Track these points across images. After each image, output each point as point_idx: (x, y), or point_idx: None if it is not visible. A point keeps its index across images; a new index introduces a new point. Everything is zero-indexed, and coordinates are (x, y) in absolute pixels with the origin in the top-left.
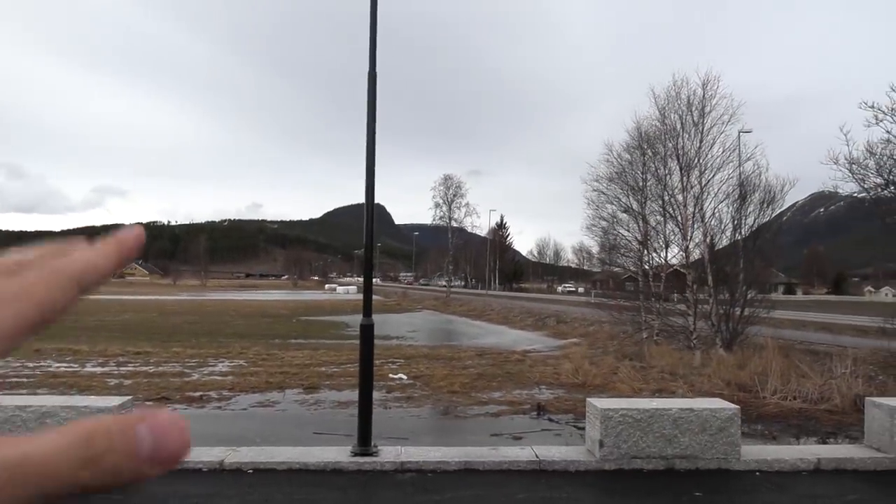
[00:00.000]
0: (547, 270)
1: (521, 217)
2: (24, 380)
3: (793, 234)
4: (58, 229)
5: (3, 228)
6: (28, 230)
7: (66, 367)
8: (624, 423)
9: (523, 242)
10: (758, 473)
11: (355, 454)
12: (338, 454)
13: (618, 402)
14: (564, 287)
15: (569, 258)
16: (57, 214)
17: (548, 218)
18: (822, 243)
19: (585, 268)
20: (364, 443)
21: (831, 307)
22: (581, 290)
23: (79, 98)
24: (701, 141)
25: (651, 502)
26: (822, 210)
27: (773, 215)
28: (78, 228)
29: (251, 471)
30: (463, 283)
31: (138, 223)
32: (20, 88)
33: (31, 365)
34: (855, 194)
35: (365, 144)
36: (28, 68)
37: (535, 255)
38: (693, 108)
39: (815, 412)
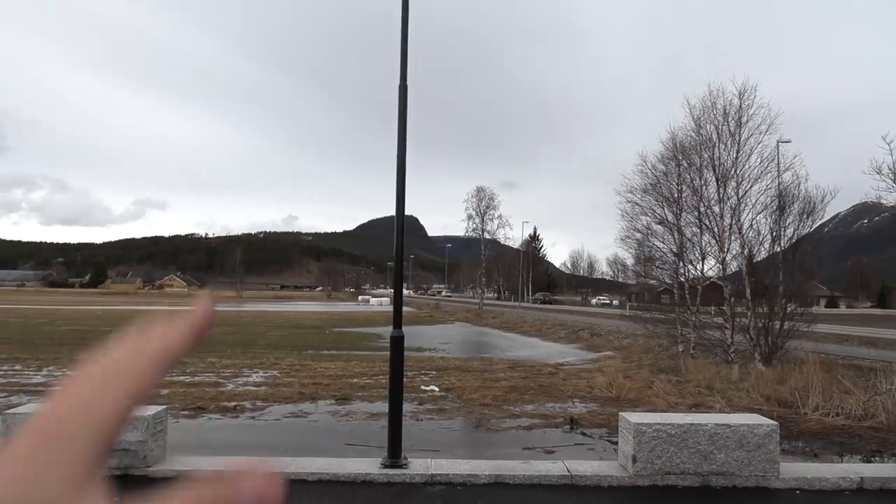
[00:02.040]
0: (581, 283)
1: (555, 229)
2: None
3: (835, 247)
4: (100, 241)
5: (49, 241)
6: (71, 242)
7: None
8: (658, 438)
9: (557, 254)
10: (798, 492)
11: (385, 466)
12: (368, 466)
13: (651, 416)
14: (599, 299)
15: (603, 270)
16: (100, 227)
17: (582, 230)
18: (866, 256)
19: (620, 280)
20: (394, 455)
21: (876, 321)
22: (615, 302)
23: (122, 114)
24: (738, 151)
25: None
26: (865, 221)
27: (814, 227)
28: (120, 241)
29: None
30: (496, 296)
31: (208, 293)
32: (66, 106)
33: (71, 374)
34: None
35: (396, 156)
36: (75, 87)
37: (569, 266)
38: (729, 118)
39: (858, 429)
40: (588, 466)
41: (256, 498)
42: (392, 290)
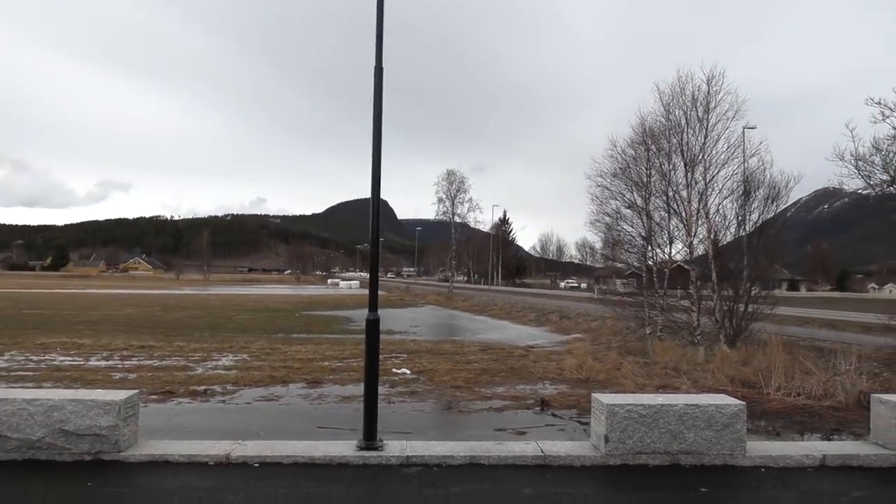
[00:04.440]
0: (550, 266)
1: (525, 212)
2: (30, 373)
3: (797, 231)
4: (61, 223)
5: (8, 223)
6: (32, 224)
7: (70, 360)
8: (629, 419)
9: (526, 238)
10: (763, 469)
11: (361, 448)
12: (343, 448)
13: (623, 397)
14: (567, 282)
15: (572, 254)
16: (61, 208)
17: (551, 214)
18: (826, 240)
19: (588, 263)
20: (370, 437)
21: (835, 304)
22: (584, 285)
23: (83, 93)
24: (705, 137)
25: (657, 497)
26: (826, 207)
27: (778, 211)
28: (82, 223)
29: (257, 464)
30: (465, 279)
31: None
32: (25, 84)
33: (35, 359)
34: (860, 191)
35: (371, 139)
36: (34, 64)
37: (538, 250)
38: (698, 104)
39: (819, 408)
40: (561, 447)
41: None
42: (361, 274)
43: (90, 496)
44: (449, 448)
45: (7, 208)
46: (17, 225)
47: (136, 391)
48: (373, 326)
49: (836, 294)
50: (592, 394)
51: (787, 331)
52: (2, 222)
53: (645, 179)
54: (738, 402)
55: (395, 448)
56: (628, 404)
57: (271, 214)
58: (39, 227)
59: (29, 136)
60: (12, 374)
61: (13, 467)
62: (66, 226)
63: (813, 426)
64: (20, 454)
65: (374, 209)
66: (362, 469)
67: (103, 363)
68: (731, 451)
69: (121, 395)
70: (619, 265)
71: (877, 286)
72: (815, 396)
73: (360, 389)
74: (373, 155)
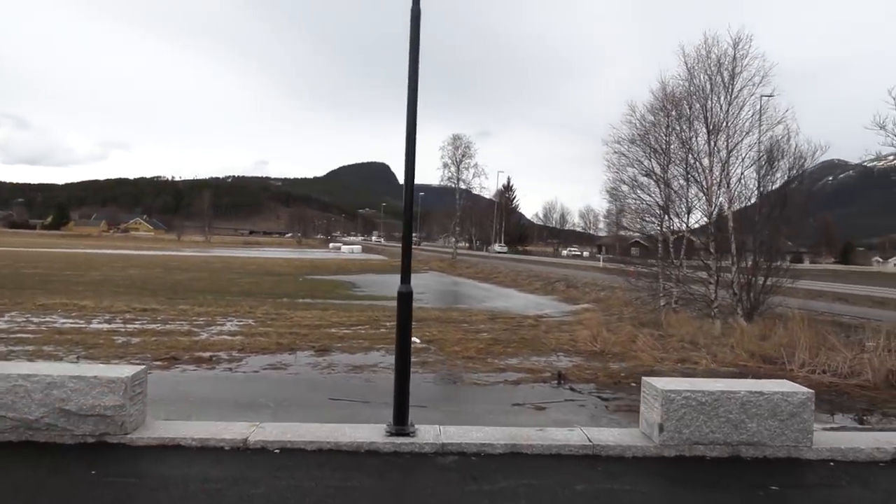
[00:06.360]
0: (552, 234)
1: (529, 179)
2: (30, 336)
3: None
4: (62, 182)
5: (9, 181)
6: (32, 182)
7: (71, 323)
8: (687, 406)
9: (529, 205)
10: (832, 463)
11: (391, 434)
12: (371, 433)
13: (679, 382)
14: (570, 251)
15: (575, 222)
16: (62, 167)
17: (556, 181)
18: (830, 212)
19: (591, 232)
20: (400, 421)
21: (842, 277)
22: (586, 254)
23: (86, 49)
24: (730, 103)
25: (721, 496)
26: (830, 178)
27: (788, 179)
28: (82, 182)
29: (278, 450)
30: (467, 245)
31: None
32: (27, 40)
33: (35, 320)
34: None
35: (407, 94)
36: (35, 21)
37: (541, 217)
38: (723, 69)
39: (845, 387)
40: (609, 435)
41: None
42: (363, 238)
43: (95, 485)
44: (487, 435)
45: (8, 166)
46: (17, 183)
47: (143, 367)
48: (405, 300)
49: (841, 267)
50: (643, 378)
51: (801, 304)
52: (3, 180)
53: (664, 146)
54: (805, 389)
55: (428, 434)
56: (686, 390)
57: (273, 177)
58: (40, 185)
59: (31, 94)
60: (12, 336)
61: (9, 449)
62: (66, 184)
63: (842, 406)
64: (16, 435)
65: (409, 167)
66: (393, 458)
67: (105, 326)
68: (795, 443)
69: (127, 370)
70: (626, 234)
71: (881, 259)
72: (842, 374)
73: (369, 358)
74: (408, 111)
